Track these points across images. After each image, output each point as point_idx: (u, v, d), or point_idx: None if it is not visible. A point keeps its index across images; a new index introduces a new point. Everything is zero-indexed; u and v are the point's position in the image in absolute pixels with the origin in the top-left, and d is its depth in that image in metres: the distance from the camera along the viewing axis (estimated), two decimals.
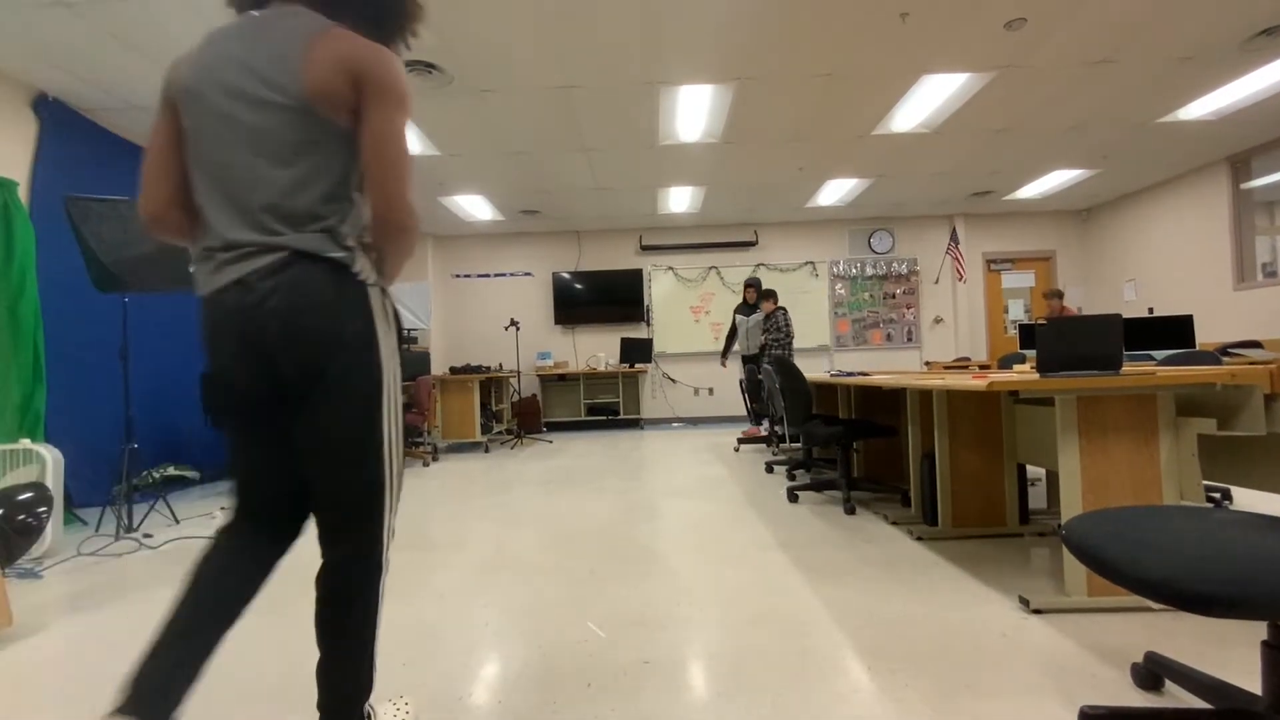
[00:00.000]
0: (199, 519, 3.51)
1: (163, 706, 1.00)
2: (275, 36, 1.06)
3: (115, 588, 2.38)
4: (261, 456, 1.12)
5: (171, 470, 3.93)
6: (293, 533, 1.18)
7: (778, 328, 6.06)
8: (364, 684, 1.14)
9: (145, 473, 3.80)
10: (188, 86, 1.07)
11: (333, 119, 1.05)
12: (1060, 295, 6.34)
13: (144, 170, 1.10)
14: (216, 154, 1.05)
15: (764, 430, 6.54)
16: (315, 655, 1.12)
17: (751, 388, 6.55)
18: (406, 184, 1.08)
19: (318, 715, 1.12)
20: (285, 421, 1.10)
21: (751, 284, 6.52)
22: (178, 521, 3.43)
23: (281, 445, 1.11)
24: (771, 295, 6.19)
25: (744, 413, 6.69)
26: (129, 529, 3.14)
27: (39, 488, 2.48)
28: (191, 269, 1.09)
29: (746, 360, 6.48)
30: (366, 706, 1.17)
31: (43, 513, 2.43)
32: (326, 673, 1.12)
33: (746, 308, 6.49)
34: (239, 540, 1.13)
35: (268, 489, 1.14)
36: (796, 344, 8.04)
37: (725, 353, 6.72)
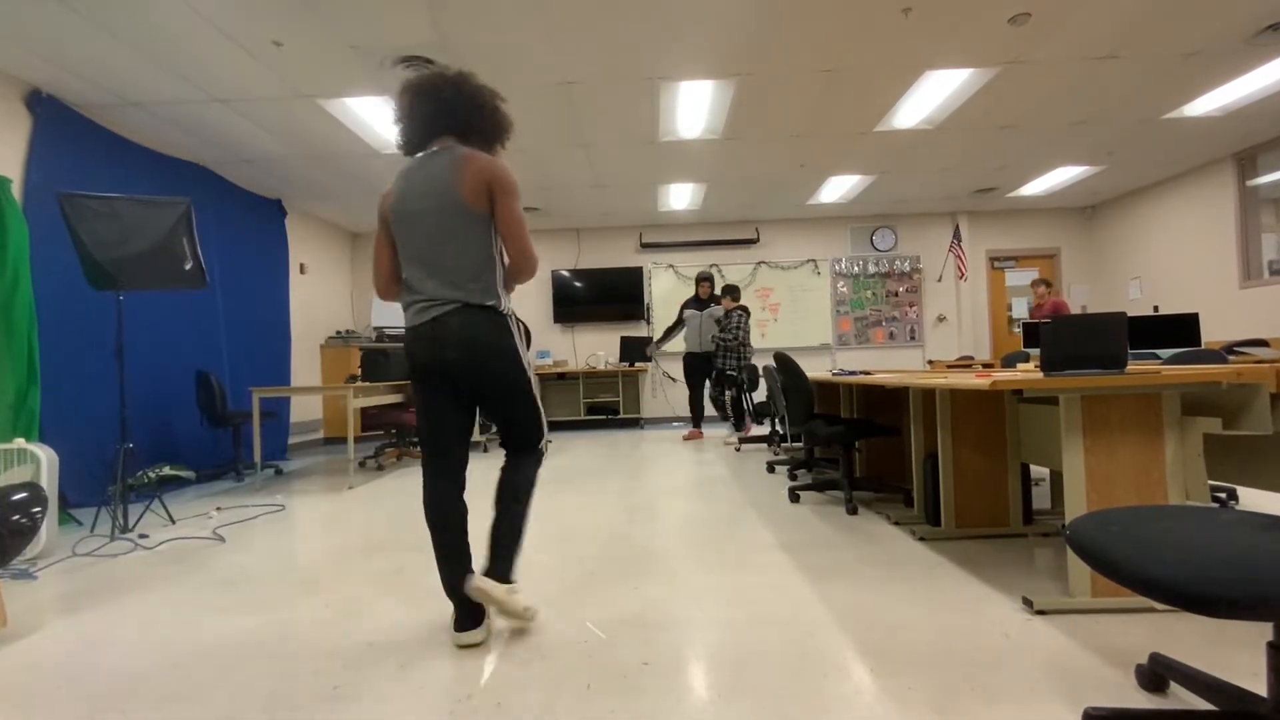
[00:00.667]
0: (195, 519, 3.49)
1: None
2: (438, 166, 1.74)
3: (110, 588, 2.37)
4: (440, 409, 1.80)
5: (167, 470, 3.91)
6: (464, 456, 1.88)
7: (728, 327, 5.90)
8: (520, 539, 1.84)
9: (141, 473, 3.78)
10: (395, 208, 1.77)
11: (480, 211, 1.72)
12: (1048, 284, 6.37)
13: (375, 264, 1.85)
14: (419, 245, 1.75)
15: (701, 428, 6.41)
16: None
17: (694, 382, 6.27)
18: (529, 242, 1.77)
19: (486, 562, 1.80)
20: (452, 391, 1.78)
21: (705, 278, 6.36)
22: (173, 522, 3.41)
23: (450, 404, 1.79)
24: (732, 292, 6.04)
25: (729, 416, 6.27)
26: (124, 529, 3.13)
27: (33, 488, 2.45)
28: (404, 313, 1.80)
29: (693, 356, 6.27)
30: (515, 573, 1.84)
31: (37, 513, 2.40)
32: (497, 527, 1.82)
33: (698, 302, 6.32)
34: (435, 468, 1.82)
35: (445, 430, 1.81)
36: (797, 343, 8.08)
37: (659, 343, 6.48)
